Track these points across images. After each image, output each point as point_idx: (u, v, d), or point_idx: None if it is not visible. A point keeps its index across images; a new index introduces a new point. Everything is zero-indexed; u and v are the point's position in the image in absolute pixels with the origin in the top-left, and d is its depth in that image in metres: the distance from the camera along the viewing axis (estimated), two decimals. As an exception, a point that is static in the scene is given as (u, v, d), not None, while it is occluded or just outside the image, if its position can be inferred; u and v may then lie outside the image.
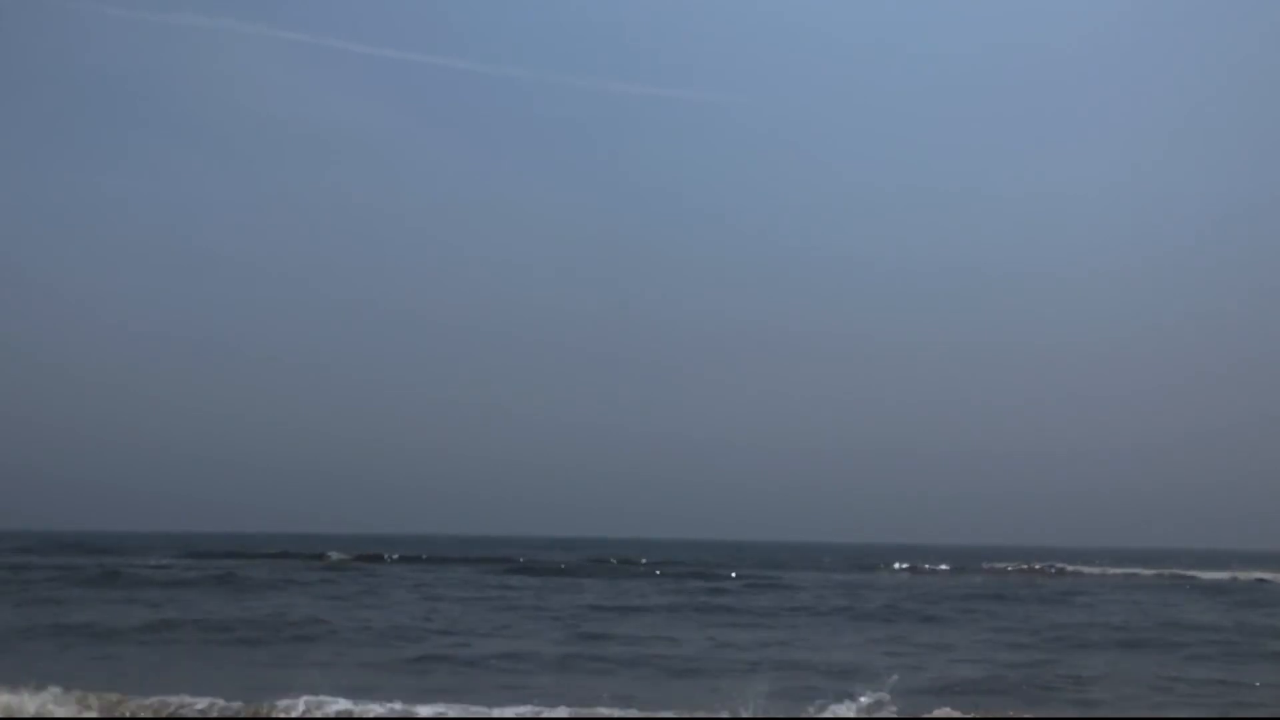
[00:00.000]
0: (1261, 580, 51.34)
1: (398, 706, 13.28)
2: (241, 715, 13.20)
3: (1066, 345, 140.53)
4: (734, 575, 46.90)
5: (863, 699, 14.04)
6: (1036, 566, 65.63)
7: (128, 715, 13.14)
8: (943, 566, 64.23)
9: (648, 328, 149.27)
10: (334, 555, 53.94)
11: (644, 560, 60.13)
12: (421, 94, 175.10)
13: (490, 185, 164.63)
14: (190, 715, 13.20)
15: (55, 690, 13.52)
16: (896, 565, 64.48)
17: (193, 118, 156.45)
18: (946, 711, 13.83)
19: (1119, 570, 62.00)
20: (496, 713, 13.45)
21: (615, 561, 58.01)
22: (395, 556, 55.78)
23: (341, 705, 13.31)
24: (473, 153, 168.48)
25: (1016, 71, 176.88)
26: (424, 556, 57.88)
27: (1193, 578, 53.30)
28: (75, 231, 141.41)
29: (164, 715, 13.19)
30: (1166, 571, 61.20)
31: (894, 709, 13.87)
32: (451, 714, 13.32)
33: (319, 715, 13.16)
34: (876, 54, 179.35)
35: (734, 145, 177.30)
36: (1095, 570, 62.14)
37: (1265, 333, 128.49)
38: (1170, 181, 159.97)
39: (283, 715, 13.17)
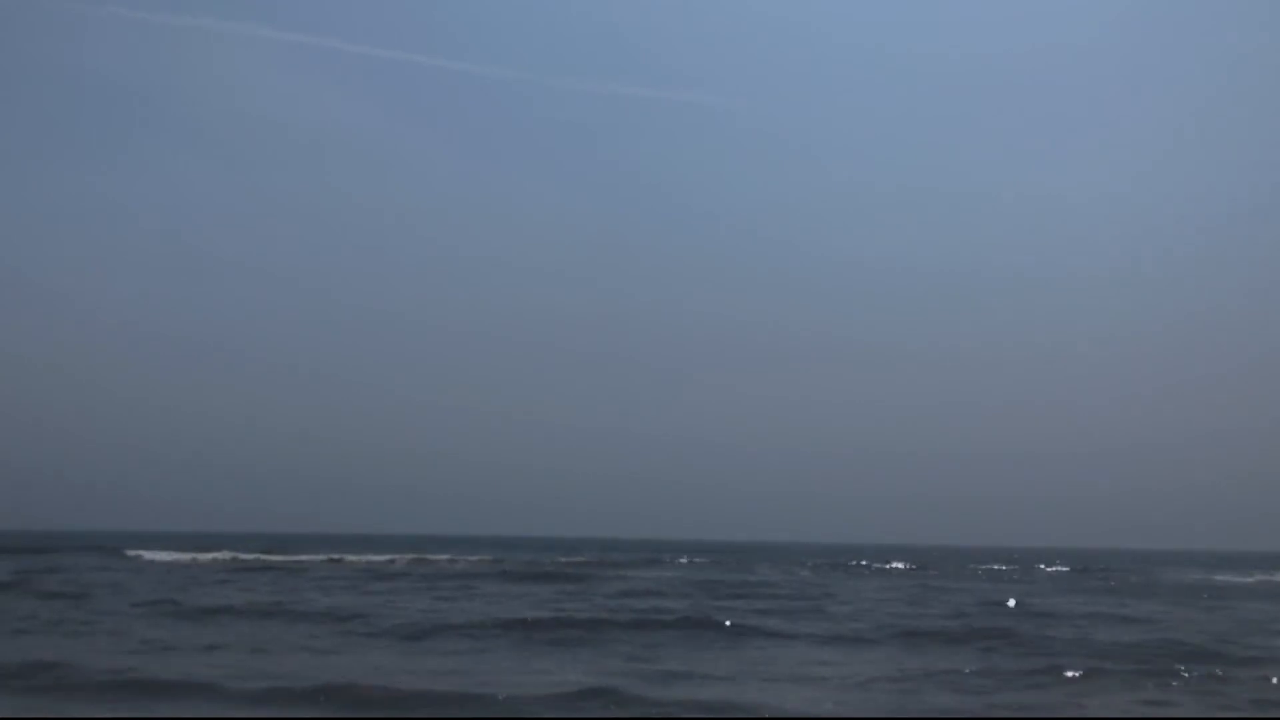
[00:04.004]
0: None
1: None
2: None
3: (1067, 345, 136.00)
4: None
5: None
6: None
7: None
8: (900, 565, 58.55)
9: (646, 329, 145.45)
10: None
11: (562, 559, 55.40)
12: (419, 96, 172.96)
13: (489, 187, 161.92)
14: None
15: None
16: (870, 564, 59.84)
17: (191, 120, 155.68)
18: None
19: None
20: None
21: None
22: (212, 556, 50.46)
23: None
24: (472, 155, 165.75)
25: (1017, 74, 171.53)
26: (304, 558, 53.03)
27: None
28: (72, 232, 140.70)
29: None
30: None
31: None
32: None
33: None
34: (876, 56, 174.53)
35: (733, 147, 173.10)
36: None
37: (1265, 333, 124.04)
38: (1171, 182, 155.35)
39: None
